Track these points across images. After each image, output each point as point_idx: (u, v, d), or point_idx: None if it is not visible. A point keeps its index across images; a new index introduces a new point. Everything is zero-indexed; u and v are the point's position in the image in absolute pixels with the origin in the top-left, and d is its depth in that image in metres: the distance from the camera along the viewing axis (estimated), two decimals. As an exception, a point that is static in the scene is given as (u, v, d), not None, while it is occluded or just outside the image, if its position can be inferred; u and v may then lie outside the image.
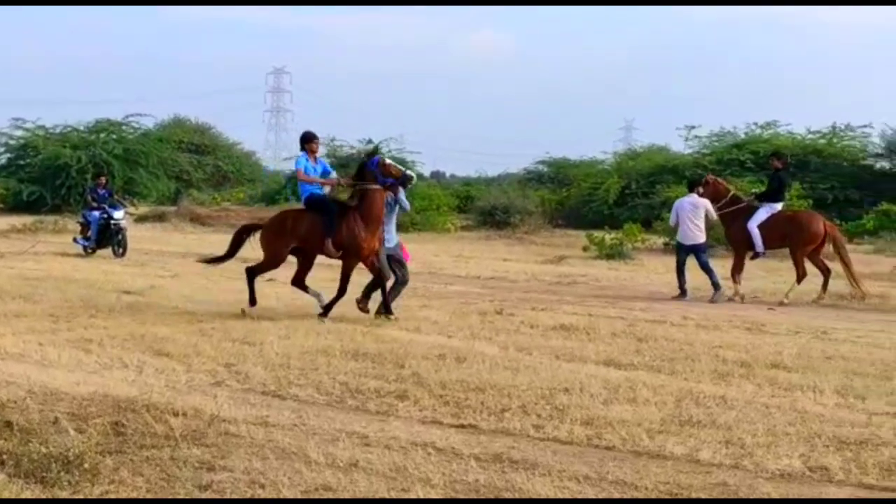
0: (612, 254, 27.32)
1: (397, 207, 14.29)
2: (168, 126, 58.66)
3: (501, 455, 6.78)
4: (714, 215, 17.73)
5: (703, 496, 6.01)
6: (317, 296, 13.68)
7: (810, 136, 44.73)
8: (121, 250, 23.82)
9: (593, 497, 6.01)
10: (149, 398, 8.08)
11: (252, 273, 14.11)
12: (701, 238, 17.67)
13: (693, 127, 45.88)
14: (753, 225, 17.35)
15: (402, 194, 14.20)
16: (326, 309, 13.43)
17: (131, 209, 28.85)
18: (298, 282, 14.17)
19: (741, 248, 17.77)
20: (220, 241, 30.85)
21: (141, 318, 13.07)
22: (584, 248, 28.80)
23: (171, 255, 24.65)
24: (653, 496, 6.00)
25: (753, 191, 19.46)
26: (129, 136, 52.18)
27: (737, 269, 17.70)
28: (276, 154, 76.47)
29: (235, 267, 20.70)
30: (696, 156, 45.02)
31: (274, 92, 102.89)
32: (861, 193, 39.78)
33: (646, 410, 8.08)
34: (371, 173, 13.45)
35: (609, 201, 42.16)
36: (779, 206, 17.86)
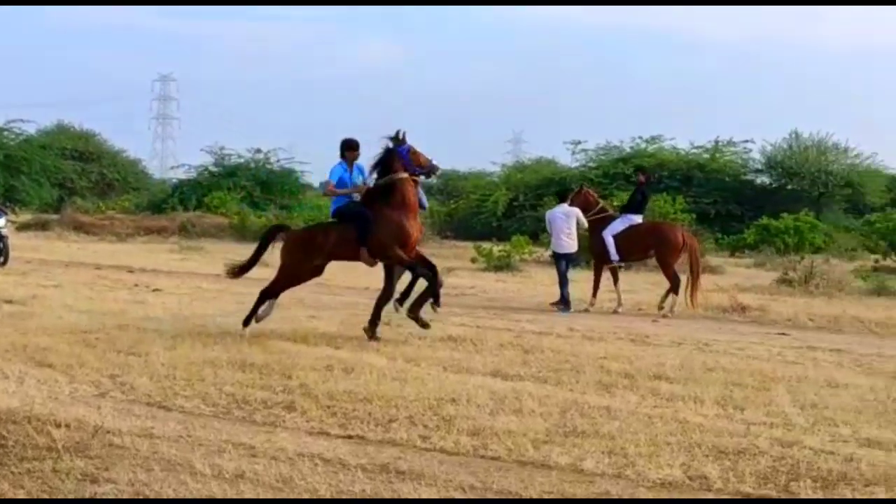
0: (501, 266, 27.59)
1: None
2: (51, 133, 57.62)
3: (388, 465, 6.79)
4: (585, 223, 18.17)
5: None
6: (263, 316, 13.04)
7: (694, 150, 45.78)
8: (2, 259, 23.23)
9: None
10: (30, 410, 7.92)
11: (264, 295, 13.15)
12: (574, 247, 18.20)
13: (580, 141, 46.62)
14: (608, 234, 17.88)
15: (420, 190, 13.52)
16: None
17: (13, 217, 28.29)
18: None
19: (602, 258, 18.20)
20: (104, 250, 30.54)
21: (23, 328, 12.75)
22: (473, 260, 29.02)
23: (55, 264, 24.20)
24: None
25: (615, 203, 19.81)
26: (10, 143, 51.12)
27: (597, 282, 18.33)
28: (163, 163, 75.51)
29: (118, 276, 20.37)
30: (583, 169, 45.68)
31: (160, 100, 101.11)
32: (742, 208, 40.83)
33: (531, 421, 8.14)
34: (400, 161, 12.79)
35: (497, 213, 42.64)
36: (638, 219, 18.44)
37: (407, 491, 6.21)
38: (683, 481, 6.66)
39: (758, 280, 25.58)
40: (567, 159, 48.57)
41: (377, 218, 12.55)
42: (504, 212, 42.69)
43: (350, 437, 7.63)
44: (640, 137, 46.78)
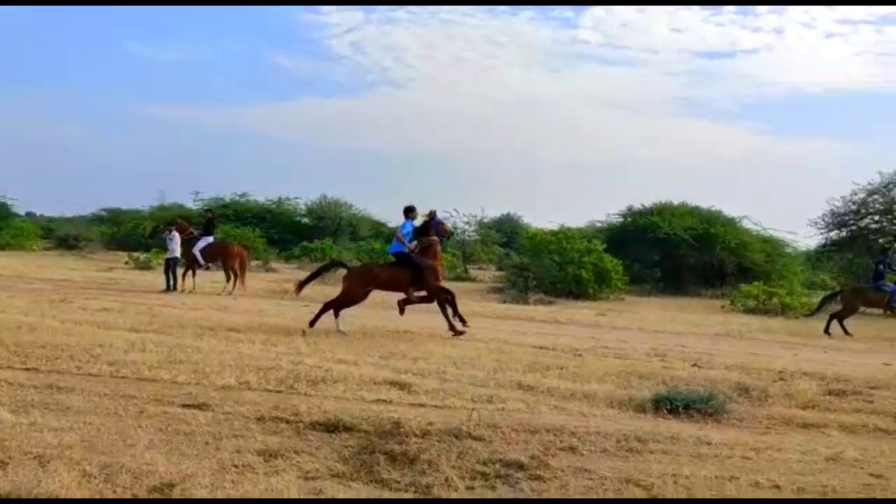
0: (143, 266, 26.01)
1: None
2: None
3: (52, 384, 6.35)
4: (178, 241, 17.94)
5: (176, 400, 5.99)
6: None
7: (268, 201, 45.48)
8: None
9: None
10: None
11: (328, 306, 11.03)
12: (178, 254, 17.81)
13: (198, 192, 44.86)
14: (196, 249, 17.82)
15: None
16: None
17: None
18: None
19: (193, 262, 17.94)
20: None
21: None
22: (126, 263, 27.16)
23: None
24: (148, 404, 5.93)
25: (198, 232, 19.18)
26: None
27: (193, 274, 17.92)
28: None
29: None
30: (201, 210, 43.90)
31: None
32: (294, 236, 40.96)
33: (149, 356, 7.86)
34: (433, 230, 11.29)
35: (145, 235, 39.91)
36: (211, 238, 18.38)
37: (63, 398, 5.87)
38: (236, 385, 6.71)
39: (299, 276, 25.91)
40: (191, 204, 46.27)
41: (425, 266, 11.08)
42: (150, 234, 40.02)
43: (28, 368, 7.02)
44: (237, 193, 45.82)
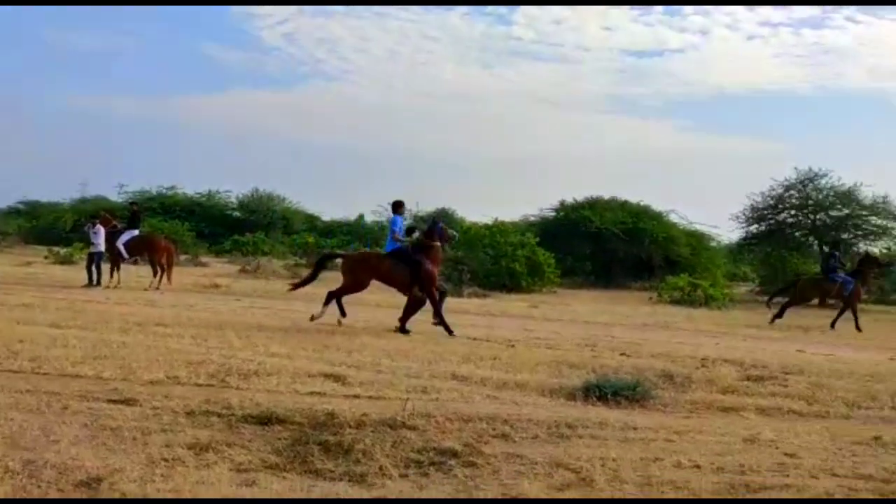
0: (64, 261, 25.13)
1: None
2: None
3: (-32, 382, 6.09)
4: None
5: (102, 395, 5.85)
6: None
7: (197, 195, 44.46)
8: None
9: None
10: None
11: (332, 295, 11.02)
12: (102, 249, 17.05)
13: (124, 185, 43.47)
14: (119, 242, 17.23)
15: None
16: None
17: None
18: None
19: (118, 258, 17.35)
20: None
21: None
22: (46, 257, 26.16)
23: None
24: (72, 400, 5.75)
25: (123, 225, 18.40)
26: None
27: (118, 269, 17.24)
28: None
29: None
30: (126, 203, 42.53)
31: None
32: (225, 230, 40.17)
33: (72, 352, 7.55)
34: (437, 234, 11.24)
35: (66, 228, 38.50)
36: (136, 232, 17.75)
37: (-19, 396, 5.66)
38: (164, 380, 6.56)
39: (230, 268, 25.55)
40: (115, 197, 44.70)
41: (424, 268, 10.88)
42: (70, 227, 38.54)
43: (-58, 366, 6.70)
44: (163, 186, 44.67)
